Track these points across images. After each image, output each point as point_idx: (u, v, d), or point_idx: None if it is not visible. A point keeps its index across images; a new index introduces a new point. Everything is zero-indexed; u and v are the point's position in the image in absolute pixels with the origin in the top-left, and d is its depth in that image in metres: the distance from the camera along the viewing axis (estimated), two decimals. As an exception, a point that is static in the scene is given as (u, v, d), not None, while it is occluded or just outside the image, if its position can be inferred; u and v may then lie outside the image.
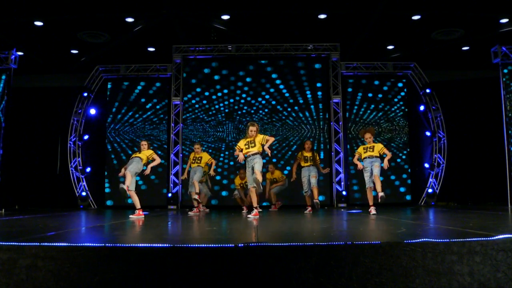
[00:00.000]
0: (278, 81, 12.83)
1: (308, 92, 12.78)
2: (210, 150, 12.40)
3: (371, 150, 7.72)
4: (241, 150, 7.30)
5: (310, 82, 12.82)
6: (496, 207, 9.81)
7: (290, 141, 12.61)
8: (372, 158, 7.69)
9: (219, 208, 11.74)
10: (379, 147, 7.83)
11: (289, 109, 12.72)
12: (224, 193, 12.35)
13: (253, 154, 7.19)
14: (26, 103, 13.16)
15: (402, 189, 12.57)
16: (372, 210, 7.54)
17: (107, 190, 12.59)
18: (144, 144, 8.19)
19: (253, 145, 7.24)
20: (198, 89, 12.86)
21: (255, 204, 7.24)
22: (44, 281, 2.63)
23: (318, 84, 12.80)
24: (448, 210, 8.58)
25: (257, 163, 7.10)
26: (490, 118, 12.44)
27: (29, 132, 13.21)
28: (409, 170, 12.71)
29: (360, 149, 7.99)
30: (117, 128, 12.83)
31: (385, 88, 13.04)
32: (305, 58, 12.88)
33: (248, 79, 12.85)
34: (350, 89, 13.02)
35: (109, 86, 13.07)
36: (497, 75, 11.57)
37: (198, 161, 9.44)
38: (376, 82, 13.04)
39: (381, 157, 7.77)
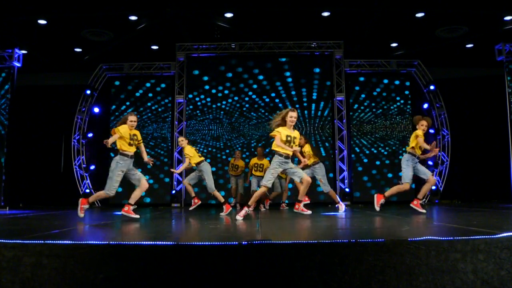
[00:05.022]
0: (280, 79, 12.81)
1: (314, 90, 12.75)
2: (209, 149, 12.50)
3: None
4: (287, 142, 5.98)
5: (313, 80, 12.80)
6: (500, 205, 9.78)
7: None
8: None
9: (218, 206, 11.75)
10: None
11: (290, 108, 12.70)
12: (222, 193, 12.39)
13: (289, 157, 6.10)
14: (30, 101, 13.20)
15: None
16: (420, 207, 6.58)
17: (119, 189, 12.54)
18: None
19: (294, 144, 6.10)
20: (206, 87, 12.84)
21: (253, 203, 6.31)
22: (49, 278, 2.64)
23: (328, 83, 12.77)
24: (452, 208, 8.56)
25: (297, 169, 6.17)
26: (494, 115, 12.39)
27: (33, 130, 13.25)
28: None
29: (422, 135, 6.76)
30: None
31: (389, 85, 13.01)
32: (309, 56, 12.87)
33: (253, 77, 12.84)
34: (357, 87, 13.00)
35: (116, 83, 13.09)
36: (501, 72, 11.53)
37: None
38: (382, 80, 13.01)
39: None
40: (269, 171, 6.07)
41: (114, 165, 6.01)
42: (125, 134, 6.00)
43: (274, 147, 6.08)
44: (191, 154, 8.10)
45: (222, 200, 7.88)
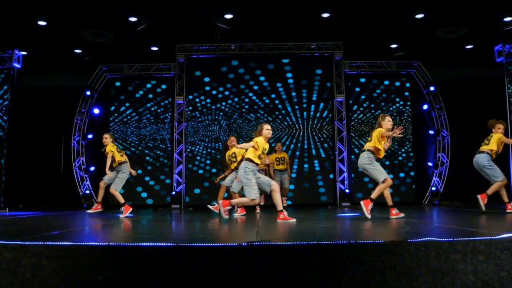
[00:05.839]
0: (281, 80, 12.78)
1: (314, 91, 12.72)
2: (208, 150, 12.52)
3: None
4: None
5: (313, 81, 12.79)
6: (500, 205, 9.77)
7: (285, 140, 12.57)
8: None
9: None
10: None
11: (289, 109, 12.68)
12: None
13: None
14: (30, 102, 13.18)
15: (405, 188, 12.55)
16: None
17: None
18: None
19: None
20: (207, 88, 12.82)
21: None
22: (49, 280, 2.64)
23: (328, 84, 12.75)
24: (452, 209, 8.56)
25: None
26: (494, 117, 12.34)
27: (32, 131, 13.24)
28: (413, 169, 12.70)
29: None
30: (120, 127, 12.85)
31: (389, 87, 13.00)
32: (309, 57, 12.86)
33: (254, 78, 12.81)
34: (357, 89, 12.98)
35: (117, 84, 13.08)
36: (501, 73, 11.52)
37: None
38: (382, 82, 13.00)
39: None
40: (377, 165, 6.36)
41: (242, 170, 5.89)
42: (259, 147, 5.99)
43: (372, 145, 6.77)
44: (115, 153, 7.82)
45: (122, 201, 7.61)
